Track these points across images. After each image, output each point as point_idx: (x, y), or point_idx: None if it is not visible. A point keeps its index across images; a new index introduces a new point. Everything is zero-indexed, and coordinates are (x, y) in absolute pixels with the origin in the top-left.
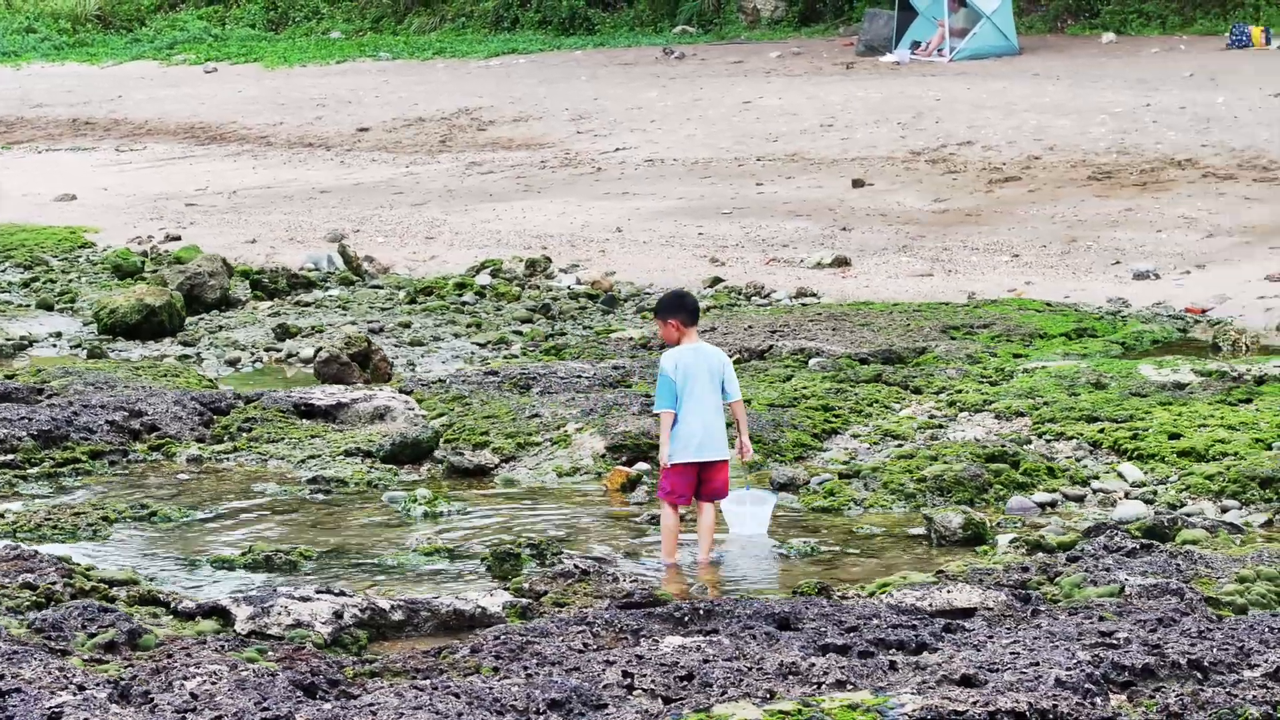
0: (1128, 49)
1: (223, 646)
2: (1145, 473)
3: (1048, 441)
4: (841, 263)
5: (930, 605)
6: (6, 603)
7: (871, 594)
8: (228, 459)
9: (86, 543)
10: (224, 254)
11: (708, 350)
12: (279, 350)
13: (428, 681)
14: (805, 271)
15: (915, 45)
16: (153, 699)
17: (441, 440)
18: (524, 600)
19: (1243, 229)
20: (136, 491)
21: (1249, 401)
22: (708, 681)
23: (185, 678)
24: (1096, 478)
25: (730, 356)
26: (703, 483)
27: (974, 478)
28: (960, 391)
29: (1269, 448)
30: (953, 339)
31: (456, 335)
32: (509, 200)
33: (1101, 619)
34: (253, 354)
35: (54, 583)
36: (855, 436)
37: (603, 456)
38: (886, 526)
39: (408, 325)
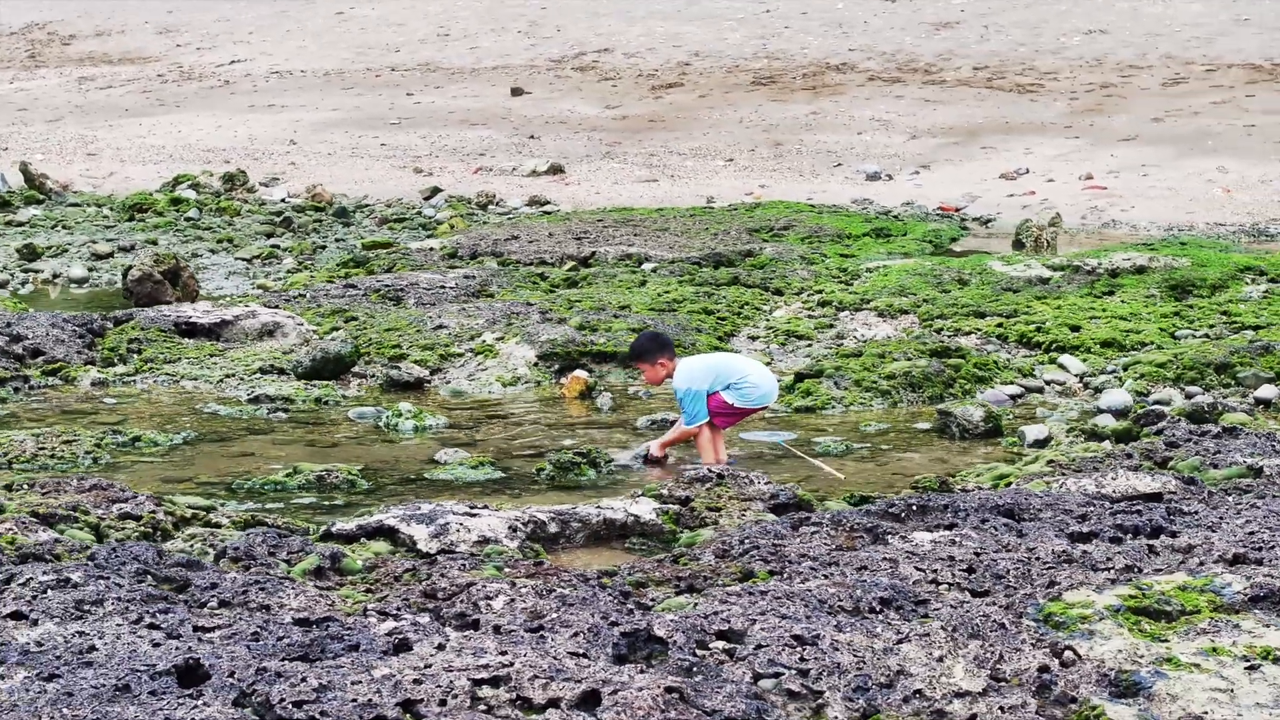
0: None
1: (464, 566)
2: (1082, 362)
3: (949, 337)
4: (556, 170)
5: (1115, 492)
6: (115, 534)
7: (994, 485)
8: (133, 381)
9: (99, 472)
10: None
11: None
12: (40, 271)
13: (738, 586)
14: (522, 179)
15: None
16: (478, 621)
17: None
18: (673, 507)
19: (943, 130)
20: (80, 418)
21: (1112, 294)
22: (998, 574)
23: (487, 597)
24: (1031, 372)
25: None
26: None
27: (938, 373)
28: (821, 292)
29: (1173, 336)
30: (764, 240)
31: (213, 251)
32: (150, 115)
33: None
34: (11, 275)
35: (153, 512)
36: (753, 338)
37: (535, 365)
38: (890, 423)
39: (154, 243)
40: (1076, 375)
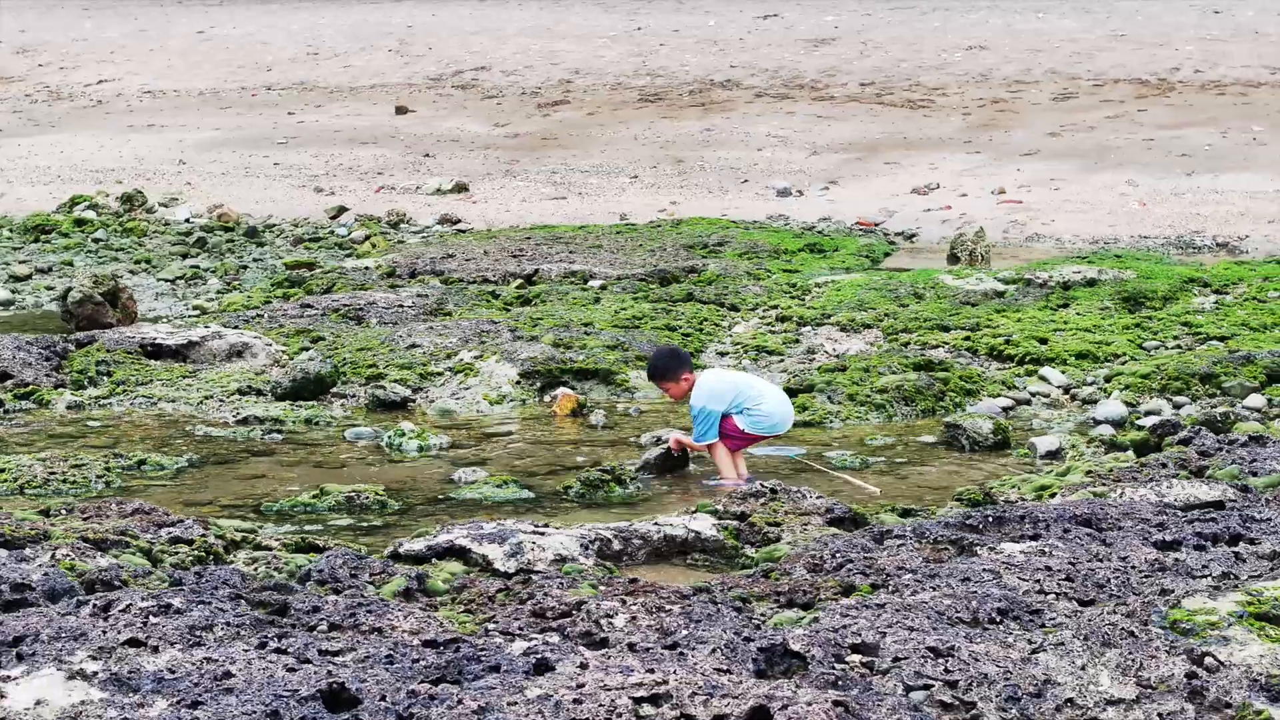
0: None
1: (561, 584)
2: (1062, 374)
3: (918, 351)
4: (462, 188)
5: (1177, 500)
6: (169, 559)
7: (1038, 496)
8: (108, 404)
9: (114, 496)
10: None
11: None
12: None
13: (853, 600)
14: (428, 198)
15: None
16: (607, 639)
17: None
18: (731, 523)
19: (843, 146)
20: (69, 441)
21: (1066, 306)
22: (1099, 583)
23: (607, 615)
24: (1013, 384)
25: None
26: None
27: (929, 386)
28: (777, 307)
29: (1141, 346)
30: (703, 256)
31: (132, 273)
32: (27, 136)
33: None
34: None
35: (203, 535)
36: (721, 354)
37: (518, 383)
38: (893, 436)
39: (70, 264)
40: (1059, 387)
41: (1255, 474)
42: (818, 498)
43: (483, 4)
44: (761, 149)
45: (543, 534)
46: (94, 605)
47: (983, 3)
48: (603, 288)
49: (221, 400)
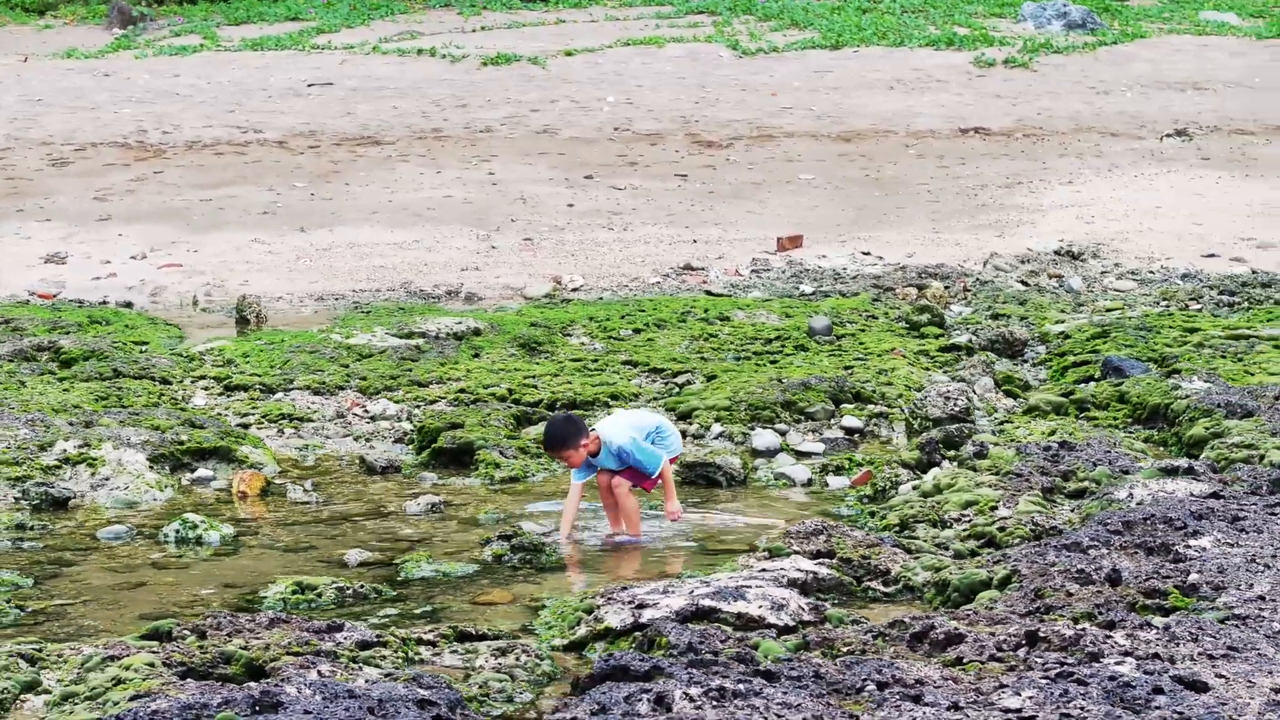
0: None
1: (960, 620)
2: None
3: (419, 405)
4: None
5: (1180, 494)
6: (383, 664)
7: (980, 513)
8: None
9: (27, 623)
10: None
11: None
12: None
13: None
14: None
15: None
16: (1162, 653)
17: None
18: (825, 560)
19: None
20: None
21: (479, 355)
22: None
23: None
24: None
25: None
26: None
27: None
28: (204, 376)
29: (632, 382)
30: (15, 335)
31: None
32: None
33: None
34: None
35: (380, 638)
36: (259, 426)
37: (151, 467)
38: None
39: None
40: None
41: (1127, 471)
42: (854, 530)
43: None
44: None
45: (751, 587)
46: (648, 700)
47: None
48: (10, 373)
49: None
